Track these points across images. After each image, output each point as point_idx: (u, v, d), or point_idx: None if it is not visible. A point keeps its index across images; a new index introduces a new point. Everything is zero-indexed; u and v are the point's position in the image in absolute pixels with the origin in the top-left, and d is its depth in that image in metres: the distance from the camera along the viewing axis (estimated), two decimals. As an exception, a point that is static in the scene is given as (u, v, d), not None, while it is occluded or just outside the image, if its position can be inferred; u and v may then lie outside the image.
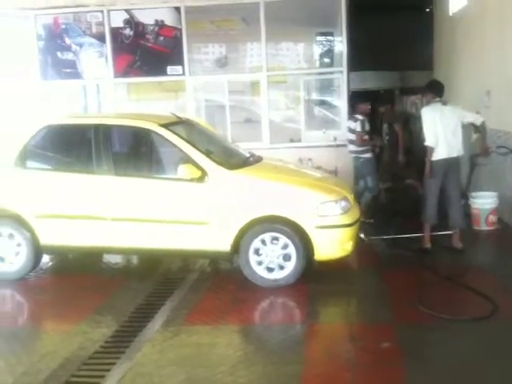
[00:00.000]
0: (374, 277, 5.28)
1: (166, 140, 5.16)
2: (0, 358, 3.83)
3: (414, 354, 3.66)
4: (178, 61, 9.10)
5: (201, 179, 4.99)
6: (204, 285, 5.18)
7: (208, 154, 5.18)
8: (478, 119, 5.76)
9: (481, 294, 4.51)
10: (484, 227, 6.48)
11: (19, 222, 5.29)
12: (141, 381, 3.48)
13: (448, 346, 3.75)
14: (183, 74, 9.08)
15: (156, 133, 5.21)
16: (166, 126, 5.29)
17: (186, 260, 5.87)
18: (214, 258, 5.52)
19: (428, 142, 5.56)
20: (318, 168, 7.63)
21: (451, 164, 5.64)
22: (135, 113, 7.89)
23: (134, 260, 6.17)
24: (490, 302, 4.33)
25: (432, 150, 5.54)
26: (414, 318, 4.24)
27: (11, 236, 5.32)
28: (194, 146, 5.16)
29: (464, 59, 8.91)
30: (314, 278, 5.06)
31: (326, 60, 9.65)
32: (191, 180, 5.00)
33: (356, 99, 7.92)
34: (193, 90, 9.19)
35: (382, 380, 3.41)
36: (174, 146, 5.13)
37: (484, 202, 6.52)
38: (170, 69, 9.18)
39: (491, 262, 5.80)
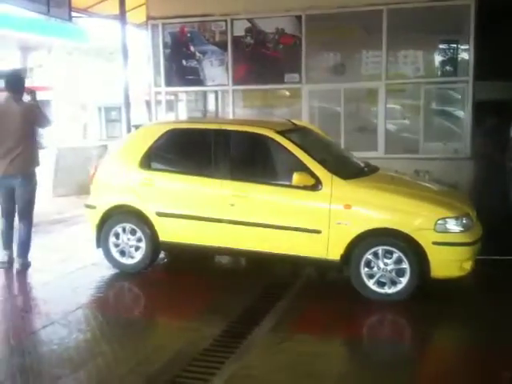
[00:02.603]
0: (500, 301, 4.89)
1: (282, 147, 5.21)
2: (117, 346, 4.05)
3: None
4: (296, 68, 9.19)
5: (314, 187, 4.98)
6: (312, 293, 5.15)
7: (323, 162, 5.14)
8: None
9: None
10: None
11: (141, 219, 5.61)
12: (249, 382, 3.52)
13: None
14: (300, 81, 9.15)
15: (273, 139, 5.27)
16: (282, 132, 5.35)
17: (294, 266, 5.87)
18: (323, 267, 5.46)
19: None
20: (436, 181, 7.29)
21: None
22: (253, 119, 8.07)
23: (244, 263, 6.29)
24: None
25: None
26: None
27: (133, 231, 5.66)
28: (308, 153, 5.15)
29: None
30: (428, 296, 4.81)
31: (449, 69, 9.18)
32: (305, 188, 5.00)
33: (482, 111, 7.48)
34: (308, 97, 9.21)
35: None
36: (290, 152, 5.15)
37: None
38: (287, 76, 9.31)
39: None
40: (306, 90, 9.20)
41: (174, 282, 5.60)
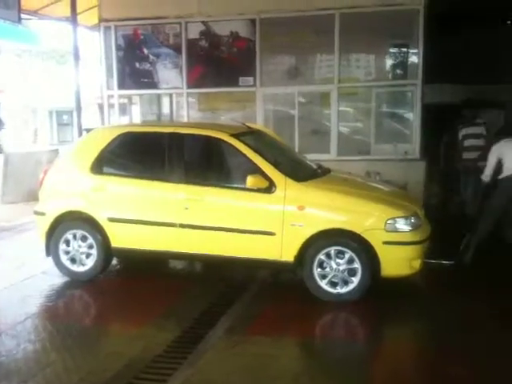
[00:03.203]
0: (447, 298, 5.04)
1: (237, 150, 5.22)
2: (67, 356, 3.97)
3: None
4: (250, 72, 9.22)
5: (268, 190, 5.01)
6: (267, 295, 5.18)
7: (276, 164, 5.18)
8: None
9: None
10: None
11: (92, 225, 5.50)
12: (202, 387, 3.52)
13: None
14: (254, 84, 9.19)
15: (227, 142, 5.28)
16: (236, 135, 5.36)
17: (248, 269, 5.88)
18: (278, 269, 5.49)
19: None
20: (387, 182, 7.47)
21: None
22: (207, 122, 8.04)
23: (198, 267, 6.26)
24: None
25: None
26: (487, 344, 4.01)
27: (84, 238, 5.54)
28: (262, 156, 5.18)
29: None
30: (380, 295, 4.91)
31: (400, 72, 9.43)
32: (259, 190, 5.02)
33: (430, 113, 7.71)
34: (262, 100, 9.27)
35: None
36: (244, 155, 5.17)
37: None
38: (241, 79, 9.32)
39: None
40: (260, 93, 9.24)
41: (128, 288, 5.52)
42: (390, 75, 9.62)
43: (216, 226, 5.16)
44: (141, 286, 5.46)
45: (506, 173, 5.82)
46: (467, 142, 7.94)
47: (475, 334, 4.19)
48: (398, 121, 9.54)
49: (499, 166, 5.91)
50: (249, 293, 5.21)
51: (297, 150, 9.13)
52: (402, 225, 4.84)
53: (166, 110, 11.29)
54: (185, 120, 9.52)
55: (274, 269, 5.55)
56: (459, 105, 11.49)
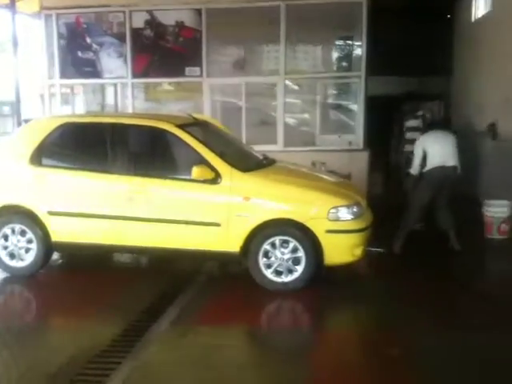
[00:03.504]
0: (385, 283, 5.23)
1: (182, 141, 5.18)
2: (7, 352, 3.88)
3: (422, 359, 3.62)
4: (197, 62, 9.15)
5: (214, 181, 5.01)
6: (213, 286, 5.20)
7: (222, 155, 5.19)
8: None
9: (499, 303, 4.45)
10: (496, 236, 6.41)
11: (31, 219, 5.35)
12: (146, 380, 3.50)
13: (455, 353, 3.72)
14: (201, 75, 9.14)
15: (172, 133, 5.23)
16: (182, 126, 5.32)
17: (195, 261, 5.88)
18: (224, 260, 5.52)
19: None
20: (332, 172, 7.62)
21: None
22: (152, 113, 7.93)
23: (144, 259, 6.21)
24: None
25: None
26: (424, 325, 4.20)
27: (23, 232, 5.38)
28: (208, 147, 5.18)
29: (484, 65, 8.81)
30: (324, 283, 5.03)
31: (345, 64, 9.61)
32: (204, 181, 5.02)
33: (375, 105, 7.91)
34: (210, 91, 9.23)
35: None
36: (189, 146, 5.15)
37: (497, 210, 6.46)
38: (188, 70, 9.24)
39: (500, 269, 5.72)
40: (207, 83, 9.19)
41: (70, 282, 5.41)
42: (335, 67, 9.79)
43: (161, 218, 5.13)
44: (84, 281, 5.37)
45: (429, 166, 5.99)
46: (408, 135, 8.22)
47: (411, 317, 4.37)
48: (343, 112, 9.73)
49: (424, 159, 6.07)
50: (195, 284, 5.22)
51: (244, 141, 9.15)
52: (345, 214, 4.96)
53: (110, 100, 11.05)
54: (130, 111, 9.35)
55: (220, 260, 5.58)
56: (401, 97, 11.86)
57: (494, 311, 4.38)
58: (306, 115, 9.86)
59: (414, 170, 6.14)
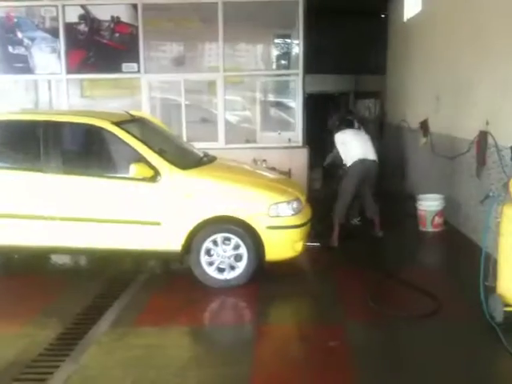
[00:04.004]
0: (323, 277, 5.35)
1: (118, 138, 5.07)
2: None
3: (362, 353, 3.73)
4: (134, 58, 8.97)
5: (153, 179, 4.94)
6: (154, 286, 5.13)
7: (161, 153, 5.13)
8: None
9: (426, 292, 4.65)
10: (430, 229, 6.66)
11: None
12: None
13: (393, 343, 3.86)
14: (138, 71, 8.98)
15: (108, 131, 5.11)
16: (118, 123, 5.21)
17: (136, 261, 5.79)
18: (165, 259, 5.47)
19: None
20: (272, 169, 7.70)
21: None
22: (87, 110, 7.71)
23: (83, 260, 6.04)
24: (434, 301, 4.47)
25: None
26: (363, 316, 4.33)
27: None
28: (146, 144, 5.10)
29: (416, 64, 9.15)
30: (265, 278, 5.08)
31: (283, 62, 9.74)
32: (143, 179, 4.94)
33: (313, 102, 8.05)
34: (148, 88, 9.08)
35: (332, 380, 3.46)
36: (126, 144, 5.05)
37: (430, 204, 6.70)
38: (125, 66, 9.05)
39: (433, 261, 6.00)
40: (145, 80, 9.04)
41: (4, 286, 5.17)
42: (273, 65, 9.88)
43: (99, 217, 5.00)
44: (19, 284, 5.16)
45: (350, 161, 6.33)
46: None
47: (347, 309, 4.49)
48: (282, 110, 9.84)
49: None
50: (137, 284, 5.13)
51: (185, 138, 9.10)
52: (285, 209, 5.02)
53: (45, 97, 10.66)
54: (65, 108, 9.05)
55: (162, 259, 5.52)
56: (338, 95, 12.13)
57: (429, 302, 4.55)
58: (247, 112, 9.89)
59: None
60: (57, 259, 5.93)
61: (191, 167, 5.23)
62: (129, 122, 5.49)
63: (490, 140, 5.50)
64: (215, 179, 5.12)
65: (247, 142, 9.16)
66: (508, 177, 4.10)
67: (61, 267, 5.86)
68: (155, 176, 4.94)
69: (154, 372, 3.53)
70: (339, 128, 6.70)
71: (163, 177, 4.95)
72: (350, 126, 6.80)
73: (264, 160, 8.35)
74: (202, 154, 5.85)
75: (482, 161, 5.64)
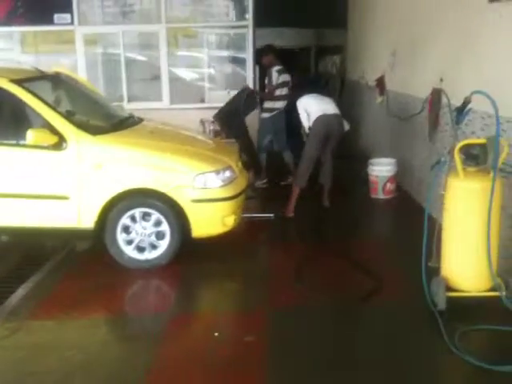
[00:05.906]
0: (257, 254, 4.83)
1: (17, 98, 4.34)
2: None
3: (279, 350, 3.22)
4: (67, 8, 8.12)
5: (58, 146, 4.26)
6: (65, 269, 4.52)
7: (69, 116, 4.46)
8: None
9: (367, 271, 4.16)
10: (381, 196, 6.13)
11: None
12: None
13: (317, 336, 3.36)
14: (72, 23, 8.13)
15: (4, 89, 4.36)
16: (19, 81, 4.46)
17: (44, 240, 5.13)
18: (77, 238, 4.83)
19: None
20: (218, 131, 7.08)
21: None
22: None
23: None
24: (373, 280, 3.99)
25: None
26: (288, 302, 3.82)
27: None
28: (51, 106, 4.40)
29: (375, 16, 8.46)
30: (191, 258, 4.51)
31: (232, 13, 8.91)
32: (47, 147, 4.26)
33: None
34: (83, 41, 8.25)
35: (238, 378, 2.97)
36: (27, 105, 4.33)
37: (382, 169, 6.12)
38: (57, 17, 8.20)
39: (379, 233, 5.44)
40: (79, 32, 8.20)
41: None
42: (222, 16, 9.07)
43: (-2, 191, 4.34)
44: None
45: (312, 119, 5.69)
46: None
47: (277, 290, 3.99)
48: (233, 66, 9.10)
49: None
50: (44, 269, 4.49)
51: (125, 98, 8.39)
52: (213, 180, 4.42)
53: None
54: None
55: (72, 237, 4.85)
56: (298, 50, 11.34)
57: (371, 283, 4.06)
58: (194, 69, 9.12)
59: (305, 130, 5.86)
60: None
61: (105, 132, 4.55)
62: (35, 80, 4.75)
63: (444, 99, 4.92)
64: (129, 146, 4.43)
65: (194, 101, 8.48)
66: (455, 142, 3.53)
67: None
68: (60, 143, 4.26)
69: (34, 379, 2.97)
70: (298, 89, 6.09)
71: (69, 144, 4.27)
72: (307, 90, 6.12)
73: (213, 121, 7.69)
74: (125, 116, 5.17)
75: (434, 122, 5.08)
